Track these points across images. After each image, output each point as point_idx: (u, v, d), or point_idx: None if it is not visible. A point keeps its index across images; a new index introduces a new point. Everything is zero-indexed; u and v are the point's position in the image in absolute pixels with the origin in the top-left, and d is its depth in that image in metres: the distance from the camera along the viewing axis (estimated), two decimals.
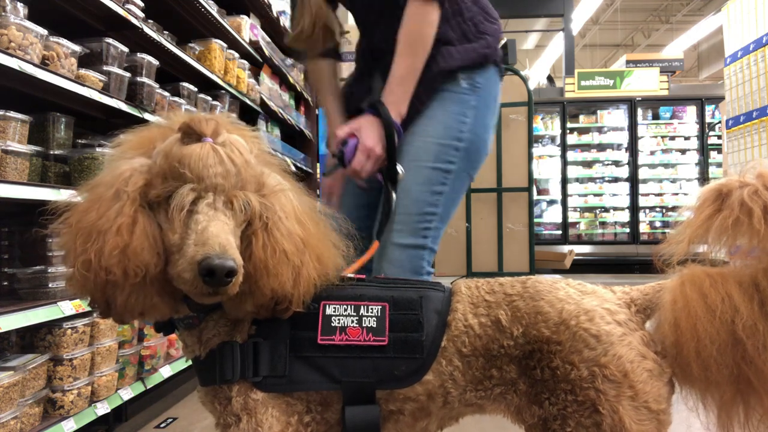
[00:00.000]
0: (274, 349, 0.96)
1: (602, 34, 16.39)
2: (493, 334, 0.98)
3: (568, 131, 9.03)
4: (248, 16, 4.06)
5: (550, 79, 11.04)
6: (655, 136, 9.08)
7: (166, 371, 2.68)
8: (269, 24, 4.60)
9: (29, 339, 2.04)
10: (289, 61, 5.15)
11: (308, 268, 0.96)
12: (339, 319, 0.98)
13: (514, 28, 12.87)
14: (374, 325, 0.98)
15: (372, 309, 1.00)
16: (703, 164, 8.88)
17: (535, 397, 0.97)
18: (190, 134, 0.91)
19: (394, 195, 1.37)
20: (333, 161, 1.44)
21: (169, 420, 2.65)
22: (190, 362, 1.03)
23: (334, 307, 0.99)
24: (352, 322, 0.98)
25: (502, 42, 5.28)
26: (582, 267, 8.12)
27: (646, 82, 9.13)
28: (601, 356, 0.92)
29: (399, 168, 1.38)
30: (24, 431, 1.80)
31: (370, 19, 1.53)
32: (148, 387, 2.53)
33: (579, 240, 9.00)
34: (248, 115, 4.13)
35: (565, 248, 7.92)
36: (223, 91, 3.56)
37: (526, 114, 5.09)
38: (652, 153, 9.08)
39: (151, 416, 2.67)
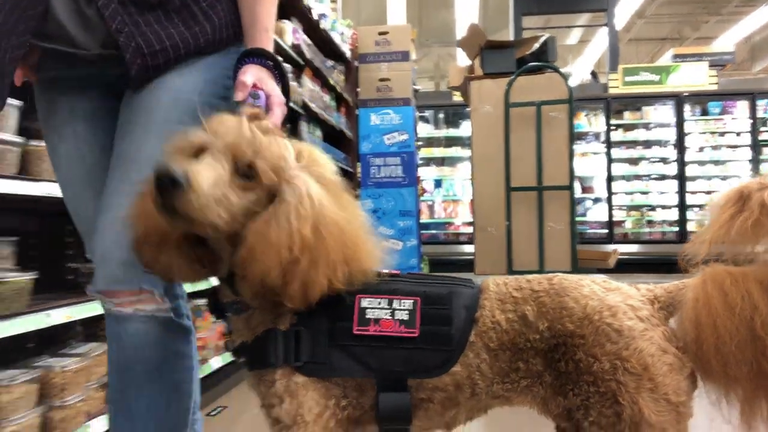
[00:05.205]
0: (314, 337, 1.04)
1: (648, 28, 15.92)
2: (520, 329, 1.03)
3: (613, 128, 8.85)
4: (290, 20, 4.19)
5: (594, 74, 10.83)
6: (704, 133, 8.80)
7: (216, 362, 2.82)
8: (310, 27, 4.72)
9: (92, 329, 2.20)
10: (330, 63, 5.26)
11: (314, 272, 0.97)
12: (373, 312, 1.05)
13: (557, 24, 12.66)
14: (406, 318, 1.05)
15: (404, 303, 1.06)
16: (756, 161, 8.56)
17: (560, 389, 1.02)
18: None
19: None
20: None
21: (219, 408, 2.79)
22: None
23: (369, 300, 1.06)
24: (386, 314, 1.05)
25: (543, 38, 5.08)
26: (628, 266, 7.95)
27: (694, 77, 8.85)
28: (623, 350, 0.97)
29: None
30: (90, 413, 1.96)
31: None
32: (200, 377, 2.67)
33: (625, 239, 8.79)
34: (290, 116, 4.25)
35: (611, 247, 7.78)
36: None
37: (566, 111, 5.05)
38: (701, 150, 8.80)
39: (202, 405, 2.80)
